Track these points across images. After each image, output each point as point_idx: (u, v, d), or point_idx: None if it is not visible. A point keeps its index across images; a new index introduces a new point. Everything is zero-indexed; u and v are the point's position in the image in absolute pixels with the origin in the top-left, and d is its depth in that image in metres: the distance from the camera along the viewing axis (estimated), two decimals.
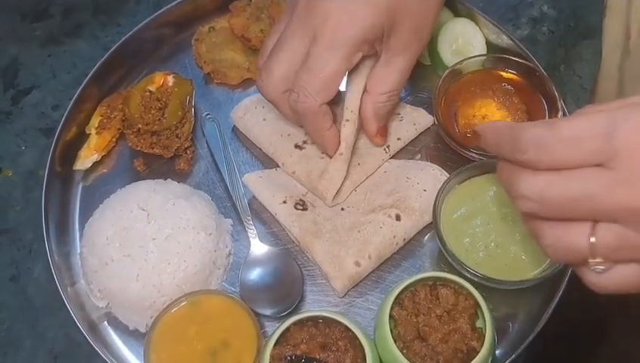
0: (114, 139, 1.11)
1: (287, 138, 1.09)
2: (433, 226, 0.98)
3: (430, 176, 1.05)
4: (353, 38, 0.88)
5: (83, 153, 1.09)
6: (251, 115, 1.12)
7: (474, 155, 1.05)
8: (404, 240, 1.01)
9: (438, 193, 0.98)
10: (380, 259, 1.00)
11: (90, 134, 1.10)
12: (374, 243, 0.99)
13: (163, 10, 1.22)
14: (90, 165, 1.09)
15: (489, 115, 1.08)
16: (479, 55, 1.13)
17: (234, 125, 1.14)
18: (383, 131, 1.04)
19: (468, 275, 0.94)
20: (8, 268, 1.06)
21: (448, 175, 1.04)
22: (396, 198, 1.03)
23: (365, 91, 0.98)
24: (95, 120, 1.11)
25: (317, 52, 0.88)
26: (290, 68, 0.91)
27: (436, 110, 1.07)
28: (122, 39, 1.18)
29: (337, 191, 1.03)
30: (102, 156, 1.10)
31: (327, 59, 0.88)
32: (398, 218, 1.01)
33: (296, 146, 1.08)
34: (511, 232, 0.97)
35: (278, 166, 1.09)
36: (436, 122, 1.08)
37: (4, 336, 1.01)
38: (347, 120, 1.00)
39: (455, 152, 1.08)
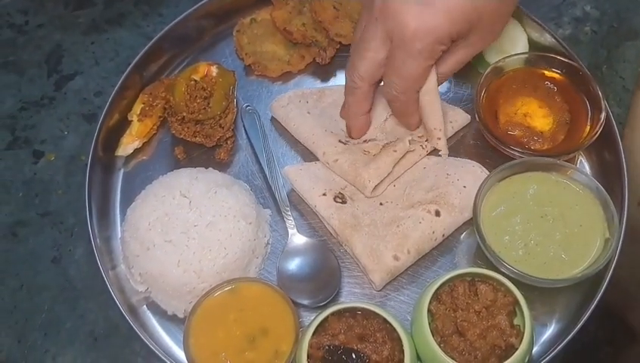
0: (155, 127, 1.13)
1: (331, 134, 1.09)
2: (473, 223, 0.98)
3: (470, 173, 1.05)
4: (430, 46, 0.93)
5: (125, 139, 1.11)
6: (294, 106, 1.13)
7: (515, 152, 1.04)
8: (443, 235, 1.02)
9: (478, 190, 0.98)
10: (418, 253, 1.00)
11: (132, 121, 1.12)
12: (413, 237, 0.99)
13: (204, 1, 1.23)
14: (131, 151, 1.11)
15: (530, 113, 1.08)
16: (521, 53, 1.13)
17: (272, 115, 1.15)
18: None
19: (507, 272, 0.94)
20: (50, 250, 1.08)
21: (488, 173, 1.05)
22: (436, 194, 1.03)
23: None
24: (137, 107, 1.12)
25: (400, 58, 0.94)
26: (374, 66, 0.98)
27: (477, 107, 1.07)
28: (165, 29, 1.19)
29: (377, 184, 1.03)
30: (143, 143, 1.12)
31: (409, 64, 0.95)
32: (437, 214, 1.01)
33: (340, 141, 1.09)
34: (551, 231, 0.97)
35: (318, 160, 1.10)
36: (477, 119, 1.08)
37: (45, 317, 1.03)
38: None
39: (495, 149, 1.07)
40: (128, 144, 1.11)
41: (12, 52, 1.27)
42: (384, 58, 0.96)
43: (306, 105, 1.13)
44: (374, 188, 1.03)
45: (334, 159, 1.07)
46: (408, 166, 1.07)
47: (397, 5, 0.91)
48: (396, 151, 1.03)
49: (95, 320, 1.03)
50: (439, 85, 1.01)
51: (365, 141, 1.09)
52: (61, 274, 1.06)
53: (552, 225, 0.97)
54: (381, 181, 1.04)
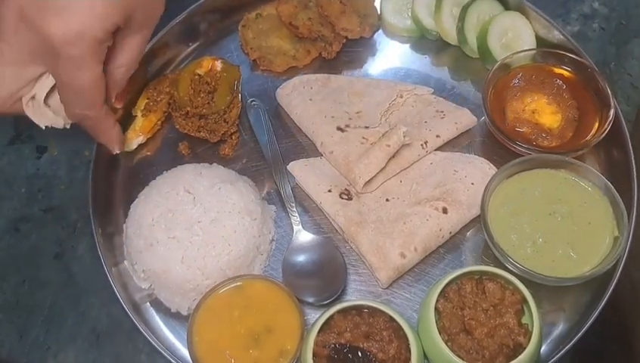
0: (159, 122, 1.12)
1: (331, 120, 1.08)
2: (481, 220, 0.96)
3: (477, 170, 1.04)
4: (89, 49, 0.83)
5: (129, 134, 1.10)
6: (298, 93, 1.12)
7: (522, 149, 1.03)
8: (450, 233, 1.00)
9: (486, 187, 0.97)
10: (425, 251, 0.99)
11: (136, 116, 1.11)
12: (420, 235, 0.98)
13: None
14: (135, 146, 1.10)
15: (538, 110, 1.06)
16: (529, 49, 1.12)
17: (278, 103, 1.14)
18: (121, 97, 1.02)
19: (515, 271, 0.93)
20: (53, 245, 1.07)
21: (496, 170, 1.03)
22: (443, 191, 1.01)
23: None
24: (142, 103, 1.11)
25: (64, 72, 0.85)
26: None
27: (485, 104, 1.06)
28: (170, 24, 1.18)
29: (369, 180, 1.02)
30: (147, 139, 1.11)
31: (77, 75, 0.86)
32: (445, 211, 1.00)
33: (338, 128, 1.07)
34: (560, 229, 0.95)
35: (322, 155, 1.08)
36: (485, 116, 1.06)
37: (47, 314, 1.02)
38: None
39: (503, 146, 1.06)
40: (132, 140, 1.09)
41: None
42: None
43: (310, 91, 1.12)
44: (367, 184, 1.02)
45: (330, 150, 1.06)
46: (405, 165, 1.05)
47: (35, 20, 0.79)
48: (389, 146, 1.01)
49: (98, 317, 1.02)
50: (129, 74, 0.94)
51: (365, 127, 1.07)
52: (64, 270, 1.05)
53: (560, 223, 0.96)
54: (374, 176, 1.02)
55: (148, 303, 1.00)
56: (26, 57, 0.83)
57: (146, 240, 0.97)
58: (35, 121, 0.92)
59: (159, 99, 1.10)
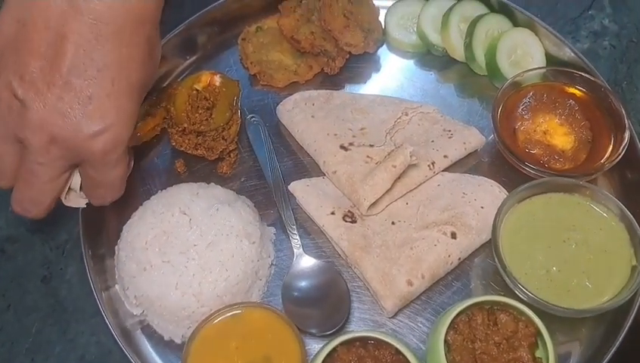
0: (157, 128, 1.06)
1: (334, 138, 1.04)
2: (492, 246, 0.92)
3: (487, 193, 0.99)
4: (122, 152, 0.85)
5: None
6: (300, 110, 1.08)
7: (534, 172, 0.99)
8: (459, 259, 0.96)
9: (498, 211, 0.93)
10: (433, 278, 0.94)
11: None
12: (427, 261, 0.93)
13: (209, 8, 1.18)
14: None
15: (550, 130, 1.02)
16: (539, 68, 1.08)
17: (279, 119, 1.10)
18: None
19: (528, 300, 0.88)
20: (40, 268, 1.01)
21: (506, 193, 0.99)
22: (452, 214, 0.97)
23: None
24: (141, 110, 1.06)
25: (96, 176, 0.86)
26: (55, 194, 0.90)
27: (495, 123, 1.02)
28: (167, 36, 1.14)
29: (374, 202, 0.97)
30: (142, 147, 1.05)
31: (109, 174, 0.87)
32: (453, 235, 0.95)
33: (342, 146, 1.03)
34: (575, 257, 0.91)
35: (324, 175, 1.04)
36: (494, 136, 1.02)
37: (33, 341, 0.97)
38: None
39: (514, 168, 1.02)
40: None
41: None
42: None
43: (312, 108, 1.08)
44: (372, 206, 0.98)
45: (333, 170, 1.02)
46: (411, 187, 1.01)
47: (73, 143, 0.80)
48: (395, 167, 0.97)
49: (86, 344, 0.96)
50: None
51: (370, 146, 1.03)
52: (51, 295, 0.99)
53: (575, 251, 0.91)
54: (379, 198, 0.97)
55: (140, 330, 0.95)
56: (60, 170, 0.85)
57: (139, 264, 0.92)
58: (75, 206, 0.93)
59: (159, 106, 1.05)
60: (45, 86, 0.77)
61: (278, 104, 1.12)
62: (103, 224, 1.02)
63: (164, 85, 1.13)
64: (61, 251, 1.03)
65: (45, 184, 0.84)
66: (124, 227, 0.98)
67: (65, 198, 0.90)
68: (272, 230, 1.02)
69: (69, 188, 0.89)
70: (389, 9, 1.19)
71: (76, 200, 0.92)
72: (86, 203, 0.92)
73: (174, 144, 1.04)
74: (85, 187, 0.89)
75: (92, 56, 0.78)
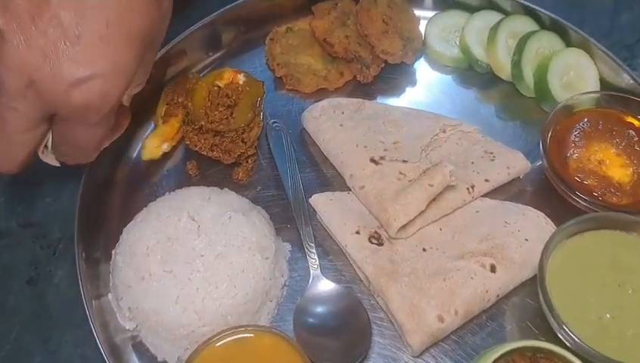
0: (179, 132, 0.98)
1: (363, 150, 0.95)
2: (538, 284, 0.81)
3: (532, 223, 0.89)
4: (109, 112, 0.73)
5: (149, 142, 0.97)
6: (327, 117, 0.99)
7: (586, 204, 0.89)
8: (497, 296, 0.85)
9: (545, 246, 0.82)
10: (467, 315, 0.83)
11: (157, 125, 0.99)
12: (462, 295, 0.82)
13: (236, 3, 1.10)
14: (160, 154, 0.97)
15: (606, 160, 0.92)
16: (594, 92, 0.99)
17: (303, 126, 1.01)
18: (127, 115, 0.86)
19: (576, 349, 0.77)
20: (27, 268, 0.91)
21: (553, 225, 0.89)
22: (491, 245, 0.86)
23: None
24: (161, 109, 0.99)
25: (73, 131, 0.75)
26: (32, 146, 0.80)
27: (545, 149, 0.92)
28: (189, 29, 1.06)
29: (405, 224, 0.87)
30: (172, 146, 0.98)
31: (86, 133, 0.76)
32: (493, 269, 0.84)
33: (372, 160, 0.93)
34: (631, 304, 0.80)
35: (350, 190, 0.94)
36: (543, 162, 0.92)
37: (10, 348, 0.86)
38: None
39: (562, 198, 0.92)
40: (154, 147, 0.96)
41: None
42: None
43: (341, 116, 0.99)
44: (403, 228, 0.87)
45: (361, 185, 0.92)
46: (447, 210, 0.91)
47: (50, 91, 0.69)
48: (432, 186, 0.87)
49: (70, 357, 0.85)
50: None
51: (403, 161, 0.93)
52: (36, 298, 0.89)
53: (632, 298, 0.80)
54: (411, 220, 0.87)
55: (131, 347, 0.84)
56: (36, 121, 0.73)
57: (137, 272, 0.82)
58: (51, 163, 0.83)
59: (179, 101, 0.97)
60: (30, 19, 0.66)
61: (303, 110, 1.03)
62: (101, 224, 0.93)
63: (180, 78, 1.05)
64: (52, 251, 0.93)
65: (18, 134, 0.73)
66: (124, 229, 0.88)
67: (42, 152, 0.79)
68: (288, 246, 0.91)
69: (45, 145, 0.78)
70: (430, 19, 1.10)
71: (52, 156, 0.81)
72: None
73: (188, 142, 0.94)
74: (53, 138, 0.77)
75: None
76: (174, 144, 0.97)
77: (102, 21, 0.68)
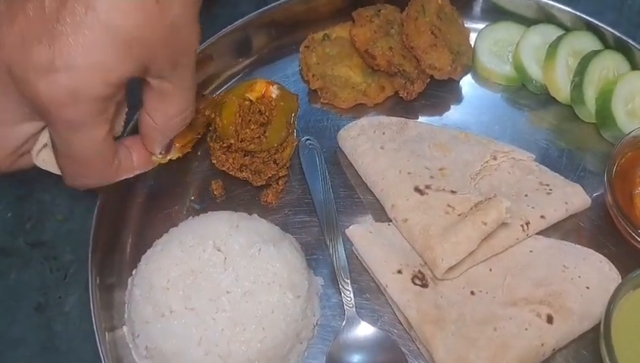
0: (191, 143, 0.87)
1: (407, 177, 0.86)
2: (601, 340, 0.72)
3: (594, 269, 0.80)
4: (88, 111, 0.65)
5: None
6: (366, 138, 0.91)
7: None
8: (553, 350, 0.76)
9: (612, 297, 0.73)
10: None
11: None
12: (515, 348, 0.74)
13: (269, 7, 1.01)
14: (165, 161, 0.84)
15: None
16: None
17: (339, 145, 0.93)
18: (168, 148, 0.81)
19: None
20: (35, 293, 0.84)
21: (617, 271, 0.81)
22: (548, 292, 0.78)
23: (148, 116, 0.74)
24: None
25: (63, 138, 0.68)
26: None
27: (610, 184, 0.83)
28: (217, 33, 0.98)
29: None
30: (177, 158, 0.86)
31: (78, 141, 0.68)
32: (549, 319, 0.76)
33: (417, 189, 0.85)
34: None
35: (390, 221, 0.86)
36: (608, 198, 0.83)
37: None
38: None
39: (622, 239, 0.83)
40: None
41: None
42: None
43: (382, 137, 0.91)
44: (449, 269, 0.79)
45: (404, 217, 0.83)
46: (497, 250, 0.82)
47: (22, 80, 0.62)
48: (485, 224, 0.78)
49: None
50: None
51: (452, 192, 0.85)
52: (44, 328, 0.82)
53: None
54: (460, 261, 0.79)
55: None
56: (19, 116, 0.67)
57: (156, 308, 0.74)
58: (52, 170, 0.74)
59: (203, 114, 0.88)
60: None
61: (338, 127, 0.95)
62: (117, 247, 0.85)
63: (208, 90, 0.97)
64: (63, 274, 0.85)
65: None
66: (143, 257, 0.80)
67: (36, 155, 0.72)
68: (320, 281, 0.83)
69: (44, 145, 0.70)
70: (480, 32, 1.01)
71: (52, 162, 0.72)
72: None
73: (215, 162, 0.86)
74: (55, 157, 0.70)
75: None
76: (179, 155, 0.83)
77: (87, 12, 0.60)
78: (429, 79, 0.96)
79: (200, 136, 0.88)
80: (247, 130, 0.84)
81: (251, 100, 0.86)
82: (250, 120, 0.84)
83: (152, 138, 0.76)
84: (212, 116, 0.86)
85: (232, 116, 0.84)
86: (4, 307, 0.83)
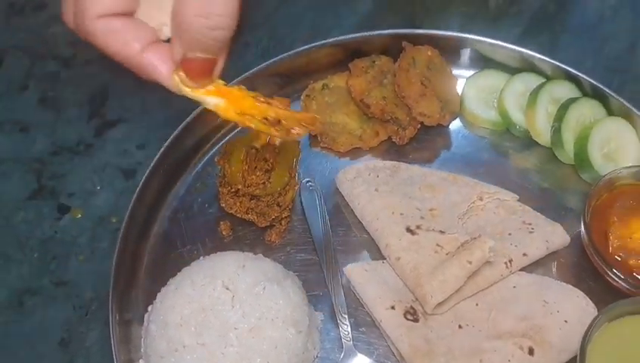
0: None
1: (399, 218, 0.94)
2: None
3: (572, 305, 0.87)
4: None
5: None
6: (362, 180, 0.98)
7: (625, 285, 0.86)
8: None
9: (587, 332, 0.80)
10: None
11: None
12: None
13: (273, 60, 1.09)
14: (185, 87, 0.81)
15: None
16: (638, 166, 0.96)
17: (337, 187, 1.00)
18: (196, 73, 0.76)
19: None
20: (59, 329, 0.91)
21: (594, 307, 0.87)
22: (530, 326, 0.85)
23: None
24: None
25: None
26: None
27: (585, 224, 0.90)
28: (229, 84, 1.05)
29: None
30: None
31: None
32: (531, 352, 0.83)
33: (408, 229, 0.92)
34: None
35: (385, 258, 0.93)
36: (584, 238, 0.90)
37: None
38: None
39: (599, 276, 0.90)
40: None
41: (52, 87, 1.13)
42: None
43: (376, 180, 0.98)
44: (438, 305, 0.86)
45: (397, 256, 0.90)
46: (483, 286, 0.89)
47: None
48: (470, 263, 0.86)
49: None
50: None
51: (440, 232, 0.92)
52: (68, 362, 0.89)
53: None
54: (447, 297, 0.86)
55: None
56: None
57: (170, 343, 0.81)
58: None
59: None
60: None
61: (335, 170, 1.02)
62: (135, 286, 0.92)
63: (216, 137, 1.05)
64: (85, 311, 0.92)
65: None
66: (158, 295, 0.87)
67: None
68: (320, 316, 0.90)
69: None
70: (468, 79, 1.09)
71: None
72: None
73: (224, 205, 0.94)
74: None
75: None
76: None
77: None
78: (420, 125, 1.04)
79: None
80: (253, 176, 0.92)
81: (256, 148, 0.94)
82: (255, 167, 0.92)
83: (182, 30, 0.68)
84: (222, 162, 0.94)
85: (240, 164, 0.92)
86: (31, 343, 0.90)
